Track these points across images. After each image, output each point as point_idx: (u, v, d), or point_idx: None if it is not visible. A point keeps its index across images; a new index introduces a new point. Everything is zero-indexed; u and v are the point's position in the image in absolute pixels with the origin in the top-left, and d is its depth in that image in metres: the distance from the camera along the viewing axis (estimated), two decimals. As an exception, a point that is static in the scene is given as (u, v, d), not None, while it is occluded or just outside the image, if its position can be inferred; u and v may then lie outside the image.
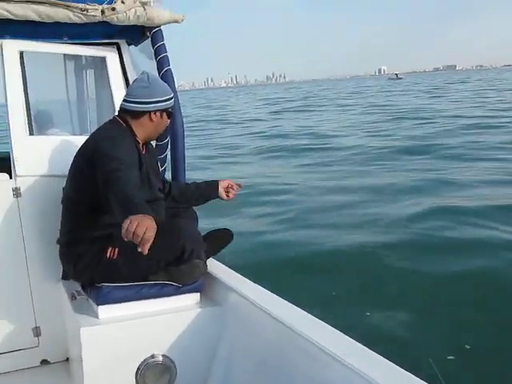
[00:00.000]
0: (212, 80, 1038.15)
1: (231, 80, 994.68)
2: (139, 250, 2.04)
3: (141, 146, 2.83)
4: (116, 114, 2.95)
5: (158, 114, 2.81)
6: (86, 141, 2.79)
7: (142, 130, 2.81)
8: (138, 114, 2.78)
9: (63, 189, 3.11)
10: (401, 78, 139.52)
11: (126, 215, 2.06)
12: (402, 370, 1.79)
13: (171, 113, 2.91)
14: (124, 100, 2.83)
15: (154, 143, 3.17)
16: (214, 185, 3.21)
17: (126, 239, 2.03)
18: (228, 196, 3.22)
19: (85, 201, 2.68)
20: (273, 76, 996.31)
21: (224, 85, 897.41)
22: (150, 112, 2.78)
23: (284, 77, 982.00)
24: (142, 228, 2.00)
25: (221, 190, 3.20)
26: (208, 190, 3.21)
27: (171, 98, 2.87)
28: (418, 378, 1.72)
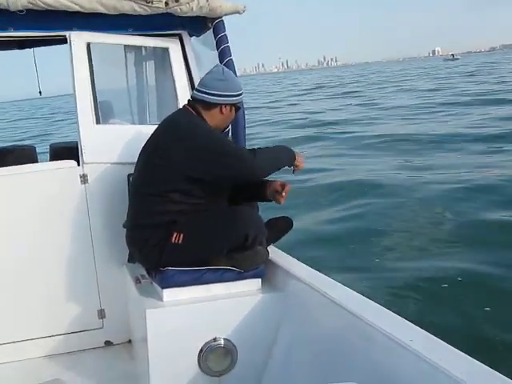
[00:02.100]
0: (263, 65, 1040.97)
1: (282, 65, 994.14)
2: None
3: None
4: (180, 103, 3.01)
5: (228, 107, 2.86)
6: (158, 129, 2.86)
7: (211, 120, 2.86)
8: (209, 105, 2.84)
9: (128, 175, 3.21)
10: (457, 59, 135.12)
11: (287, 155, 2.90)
12: (467, 355, 1.78)
13: (240, 108, 2.98)
14: (197, 90, 2.89)
15: None
16: (262, 186, 3.01)
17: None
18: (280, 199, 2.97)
19: (154, 188, 2.75)
20: (324, 60, 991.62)
21: (275, 70, 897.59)
22: (221, 105, 2.84)
23: (336, 60, 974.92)
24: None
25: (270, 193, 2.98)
26: (255, 190, 3.06)
27: (242, 94, 2.93)
28: (483, 364, 1.72)
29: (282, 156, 2.90)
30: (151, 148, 2.84)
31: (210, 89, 2.83)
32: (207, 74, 2.94)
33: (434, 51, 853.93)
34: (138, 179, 2.91)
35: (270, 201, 3.01)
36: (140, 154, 2.91)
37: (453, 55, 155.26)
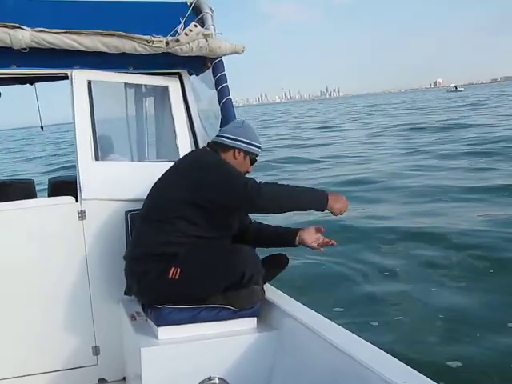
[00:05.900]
0: (266, 96, 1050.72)
1: (285, 95, 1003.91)
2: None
3: None
4: (179, 141, 3.05)
5: (241, 153, 2.94)
6: (180, 163, 2.93)
7: None
8: (224, 148, 2.95)
9: (126, 212, 3.24)
10: (460, 90, 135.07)
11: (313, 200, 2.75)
12: None
13: (255, 161, 3.03)
14: (217, 135, 3.03)
15: None
16: (291, 232, 3.08)
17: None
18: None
19: (162, 213, 2.78)
20: (327, 91, 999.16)
21: (278, 100, 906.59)
22: (235, 149, 2.93)
23: (338, 91, 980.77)
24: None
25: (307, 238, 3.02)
26: (285, 237, 3.12)
27: (257, 147, 2.99)
28: None
29: (303, 196, 2.76)
30: (160, 182, 2.89)
31: (226, 133, 2.98)
32: (230, 123, 3.13)
33: (435, 83, 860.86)
34: (145, 211, 2.93)
35: (296, 246, 3.02)
36: (155, 184, 2.93)
37: (456, 87, 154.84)
